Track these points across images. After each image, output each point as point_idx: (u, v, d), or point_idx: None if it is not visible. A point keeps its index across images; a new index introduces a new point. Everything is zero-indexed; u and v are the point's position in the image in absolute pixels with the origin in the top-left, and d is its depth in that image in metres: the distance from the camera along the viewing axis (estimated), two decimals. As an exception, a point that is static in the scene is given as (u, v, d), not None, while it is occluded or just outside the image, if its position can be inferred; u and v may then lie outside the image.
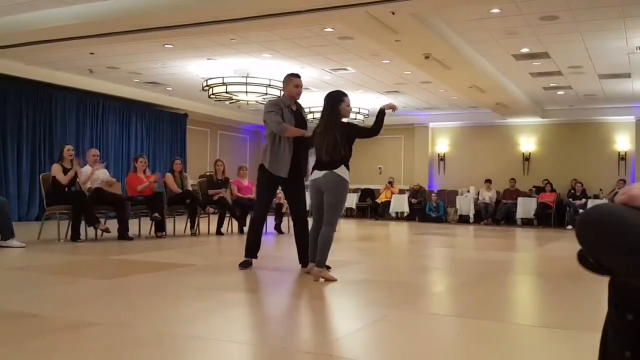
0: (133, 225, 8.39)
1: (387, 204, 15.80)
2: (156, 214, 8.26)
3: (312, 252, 4.83)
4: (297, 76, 5.31)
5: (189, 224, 9.03)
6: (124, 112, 14.21)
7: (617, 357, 1.33)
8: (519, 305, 4.34)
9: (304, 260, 5.21)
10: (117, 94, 13.48)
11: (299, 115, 5.31)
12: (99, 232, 7.73)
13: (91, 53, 10.36)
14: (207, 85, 11.67)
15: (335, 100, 4.85)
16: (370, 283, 4.96)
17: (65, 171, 7.66)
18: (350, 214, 16.63)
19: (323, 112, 4.87)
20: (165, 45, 9.74)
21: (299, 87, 5.29)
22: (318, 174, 4.75)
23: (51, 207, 7.61)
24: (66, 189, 7.62)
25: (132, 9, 7.83)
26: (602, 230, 1.26)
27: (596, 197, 14.38)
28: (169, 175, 9.07)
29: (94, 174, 7.99)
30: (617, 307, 1.36)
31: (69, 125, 12.76)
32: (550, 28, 8.37)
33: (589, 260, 1.32)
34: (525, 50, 9.67)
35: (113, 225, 7.98)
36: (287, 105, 5.25)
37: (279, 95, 11.69)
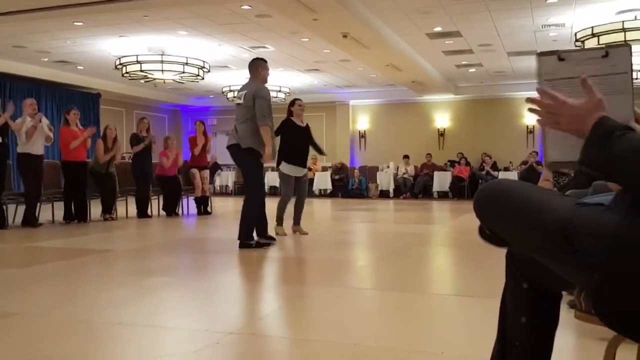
0: (46, 211, 8.08)
1: (310, 181, 15.94)
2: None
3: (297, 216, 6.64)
4: (265, 61, 5.70)
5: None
6: (32, 93, 13.44)
7: (514, 323, 1.47)
8: (435, 276, 4.57)
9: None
10: (24, 74, 12.83)
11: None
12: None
13: (-6, 31, 9.77)
14: (120, 64, 11.28)
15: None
16: (293, 260, 5.05)
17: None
18: (274, 192, 16.65)
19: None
20: (75, 23, 9.31)
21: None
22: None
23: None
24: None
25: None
26: (492, 203, 1.38)
27: (506, 169, 15.11)
28: (99, 142, 8.68)
29: (38, 126, 7.66)
30: (513, 276, 1.49)
31: (-28, 107, 12.00)
32: (462, 7, 8.66)
33: (486, 232, 1.44)
34: (438, 29, 9.96)
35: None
36: None
37: (197, 73, 11.47)
